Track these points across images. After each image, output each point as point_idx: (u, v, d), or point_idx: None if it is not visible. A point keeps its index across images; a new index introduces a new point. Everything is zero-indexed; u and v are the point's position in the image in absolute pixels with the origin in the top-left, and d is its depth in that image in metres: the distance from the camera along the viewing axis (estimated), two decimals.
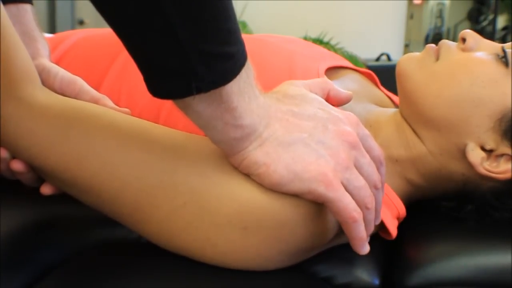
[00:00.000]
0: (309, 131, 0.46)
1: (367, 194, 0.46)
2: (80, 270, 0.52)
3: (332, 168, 0.45)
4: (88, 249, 0.56)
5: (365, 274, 0.53)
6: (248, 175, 0.46)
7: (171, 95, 0.40)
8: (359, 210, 0.45)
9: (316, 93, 0.51)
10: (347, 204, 0.45)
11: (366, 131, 0.49)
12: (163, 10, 0.35)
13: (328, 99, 0.53)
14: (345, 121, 0.47)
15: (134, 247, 0.50)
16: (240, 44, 0.40)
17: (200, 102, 0.40)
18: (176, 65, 0.38)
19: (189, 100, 0.40)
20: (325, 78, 0.54)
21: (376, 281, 0.53)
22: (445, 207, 0.64)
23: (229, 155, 0.46)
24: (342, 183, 0.45)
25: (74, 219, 0.58)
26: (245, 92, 0.42)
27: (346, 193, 0.45)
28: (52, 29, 2.92)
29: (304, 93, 0.49)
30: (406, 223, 0.60)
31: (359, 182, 0.46)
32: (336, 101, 0.53)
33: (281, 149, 0.45)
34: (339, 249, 0.55)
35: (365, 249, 0.47)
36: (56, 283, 0.50)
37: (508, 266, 0.52)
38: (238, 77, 0.40)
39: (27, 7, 0.61)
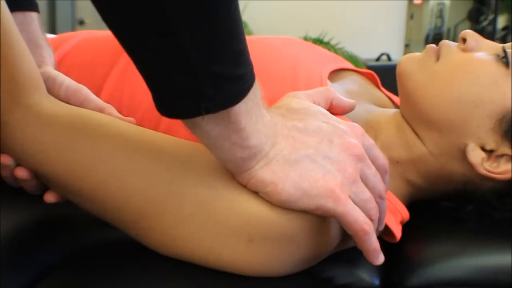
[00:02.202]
0: (315, 147, 0.46)
1: (372, 206, 0.47)
2: (80, 270, 0.52)
3: (340, 183, 0.45)
4: (88, 249, 0.56)
5: (365, 275, 0.53)
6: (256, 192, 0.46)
7: (180, 114, 0.40)
8: (369, 222, 0.45)
9: (319, 103, 0.51)
10: (357, 217, 0.45)
11: (371, 141, 0.49)
12: (175, 32, 0.35)
13: (331, 108, 0.53)
14: (350, 133, 0.47)
15: (134, 247, 0.50)
16: (249, 65, 0.41)
17: (208, 122, 0.40)
18: (185, 86, 0.38)
19: (197, 120, 0.40)
20: (328, 86, 0.54)
21: (377, 282, 0.53)
22: (445, 207, 0.64)
23: (236, 174, 0.46)
24: (350, 197, 0.45)
25: (74, 219, 0.58)
26: (252, 112, 0.42)
27: (355, 207, 0.45)
28: (52, 29, 2.92)
29: (308, 106, 0.49)
30: (406, 223, 0.60)
31: (365, 195, 0.46)
32: (339, 110, 0.53)
33: (288, 167, 0.45)
34: (340, 250, 0.55)
35: (380, 259, 0.47)
36: (56, 283, 0.50)
37: (508, 266, 0.52)
38: (246, 98, 0.40)
39: (33, 15, 0.61)
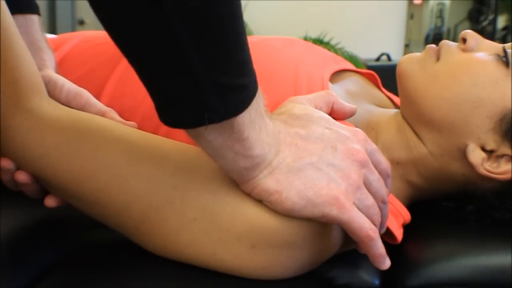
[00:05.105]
0: (319, 154, 0.45)
1: (375, 212, 0.47)
2: (80, 270, 0.52)
3: (344, 191, 0.45)
4: (88, 249, 0.56)
5: (365, 275, 0.53)
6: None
7: (182, 124, 0.40)
8: (374, 228, 0.45)
9: (321, 108, 0.51)
10: (362, 224, 0.45)
11: (374, 146, 0.49)
12: (178, 42, 0.35)
13: (333, 112, 0.53)
14: (353, 139, 0.47)
15: (134, 247, 0.50)
16: (252, 74, 0.40)
17: (211, 132, 0.40)
18: (189, 96, 0.37)
19: (200, 130, 0.39)
20: (329, 90, 0.54)
21: (377, 282, 0.53)
22: (445, 207, 0.64)
23: (240, 183, 0.46)
24: (354, 203, 0.45)
25: (74, 219, 0.58)
26: (255, 121, 0.42)
27: (360, 213, 0.45)
28: (52, 29, 2.92)
29: (310, 112, 0.48)
30: (407, 224, 0.60)
31: (368, 200, 0.46)
32: (341, 115, 0.53)
33: (292, 175, 0.45)
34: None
35: (386, 264, 0.47)
36: (56, 283, 0.50)
37: (508, 266, 0.52)
38: (249, 107, 0.40)
39: (34, 17, 0.60)
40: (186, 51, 0.35)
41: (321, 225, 0.47)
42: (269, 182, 0.44)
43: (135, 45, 0.37)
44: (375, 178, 0.48)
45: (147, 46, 0.36)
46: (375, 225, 0.46)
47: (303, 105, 0.50)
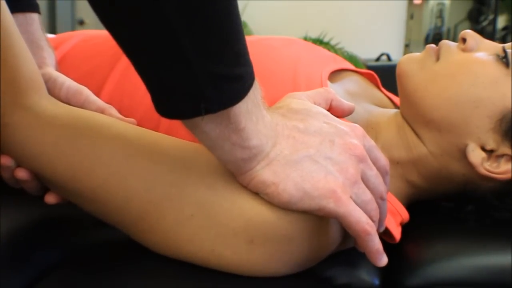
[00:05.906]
0: (316, 147, 0.45)
1: (373, 207, 0.47)
2: (80, 270, 0.52)
3: (341, 184, 0.45)
4: (88, 249, 0.56)
5: (365, 274, 0.53)
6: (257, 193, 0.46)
7: (179, 115, 0.40)
8: (371, 223, 0.45)
9: (319, 104, 0.51)
10: (359, 218, 0.45)
11: (372, 142, 0.49)
12: (174, 33, 0.35)
13: (331, 109, 0.53)
14: (351, 134, 0.47)
15: (134, 247, 0.50)
16: (248, 65, 0.40)
17: (208, 123, 0.40)
18: (185, 87, 0.38)
19: (197, 120, 0.39)
20: (328, 87, 0.55)
21: (376, 281, 0.53)
22: (445, 207, 0.64)
23: (237, 175, 0.46)
24: (351, 198, 0.45)
25: (74, 219, 0.58)
26: (252, 112, 0.42)
27: (357, 207, 0.45)
28: (52, 29, 2.92)
29: (308, 107, 0.48)
30: (406, 223, 0.60)
31: (366, 196, 0.46)
32: (339, 112, 0.53)
33: (289, 167, 0.45)
34: (339, 250, 0.55)
35: (383, 260, 0.47)
36: (56, 283, 0.50)
37: (508, 266, 0.52)
38: (246, 98, 0.40)
39: (34, 16, 0.61)
40: (181, 41, 0.35)
41: (319, 221, 0.47)
42: (266, 174, 0.44)
43: (130, 37, 0.37)
44: (373, 174, 0.48)
45: (142, 37, 0.36)
46: (373, 221, 0.46)
47: (301, 100, 0.50)
